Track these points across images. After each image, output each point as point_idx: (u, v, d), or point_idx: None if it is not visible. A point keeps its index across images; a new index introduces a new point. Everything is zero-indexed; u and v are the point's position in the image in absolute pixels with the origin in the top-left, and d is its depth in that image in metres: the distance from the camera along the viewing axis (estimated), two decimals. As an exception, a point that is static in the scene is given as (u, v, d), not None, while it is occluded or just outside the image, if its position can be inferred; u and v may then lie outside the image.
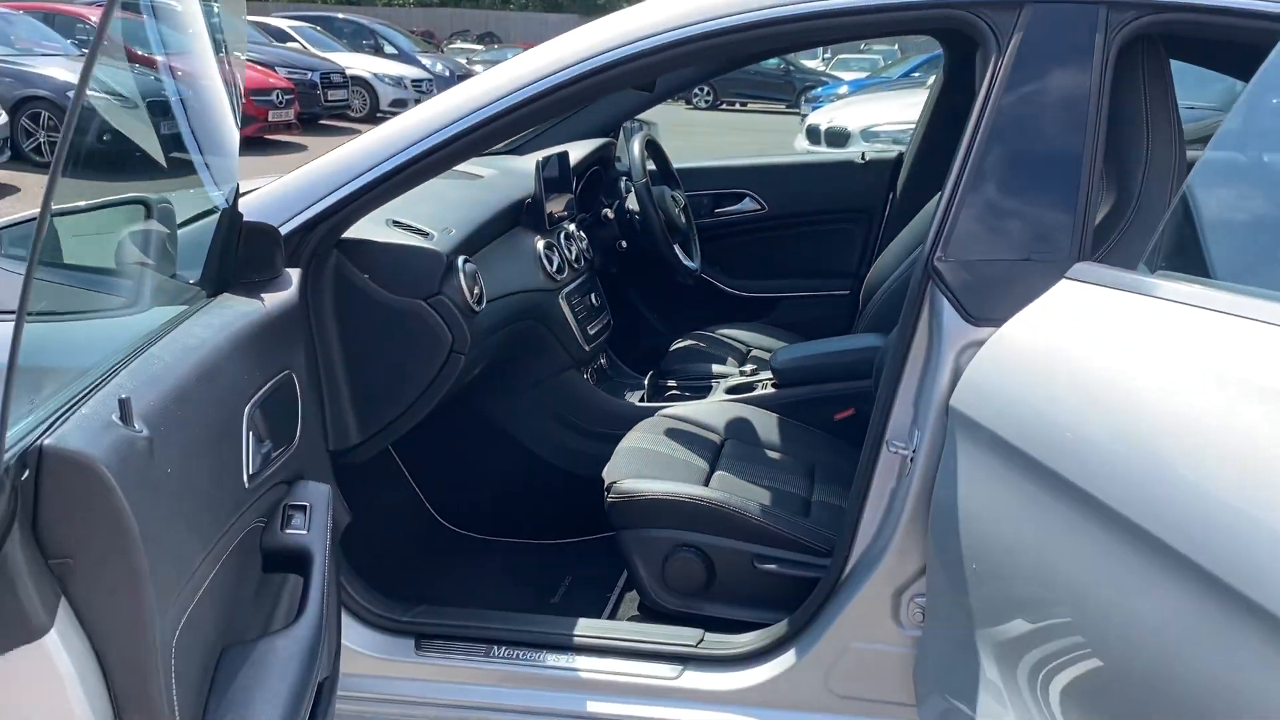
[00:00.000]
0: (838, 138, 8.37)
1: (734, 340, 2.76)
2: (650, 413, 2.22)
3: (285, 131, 12.33)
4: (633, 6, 1.64)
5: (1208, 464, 1.05)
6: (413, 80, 15.87)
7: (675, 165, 2.95)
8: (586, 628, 1.77)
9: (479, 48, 30.78)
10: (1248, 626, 0.97)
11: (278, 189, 1.61)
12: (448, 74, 17.49)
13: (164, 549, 0.90)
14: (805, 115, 11.38)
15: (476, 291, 1.85)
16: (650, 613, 1.89)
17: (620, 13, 1.64)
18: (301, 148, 11.86)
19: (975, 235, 1.48)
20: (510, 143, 2.73)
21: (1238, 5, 1.42)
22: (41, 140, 9.34)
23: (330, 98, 14.09)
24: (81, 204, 1.40)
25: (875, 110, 8.59)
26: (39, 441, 0.84)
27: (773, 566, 1.81)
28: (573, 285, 2.45)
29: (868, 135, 8.01)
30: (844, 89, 13.18)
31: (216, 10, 1.48)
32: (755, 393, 2.34)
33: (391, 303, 1.75)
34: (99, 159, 1.29)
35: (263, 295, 1.40)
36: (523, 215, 2.34)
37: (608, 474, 1.94)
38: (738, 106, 20.73)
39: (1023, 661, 1.33)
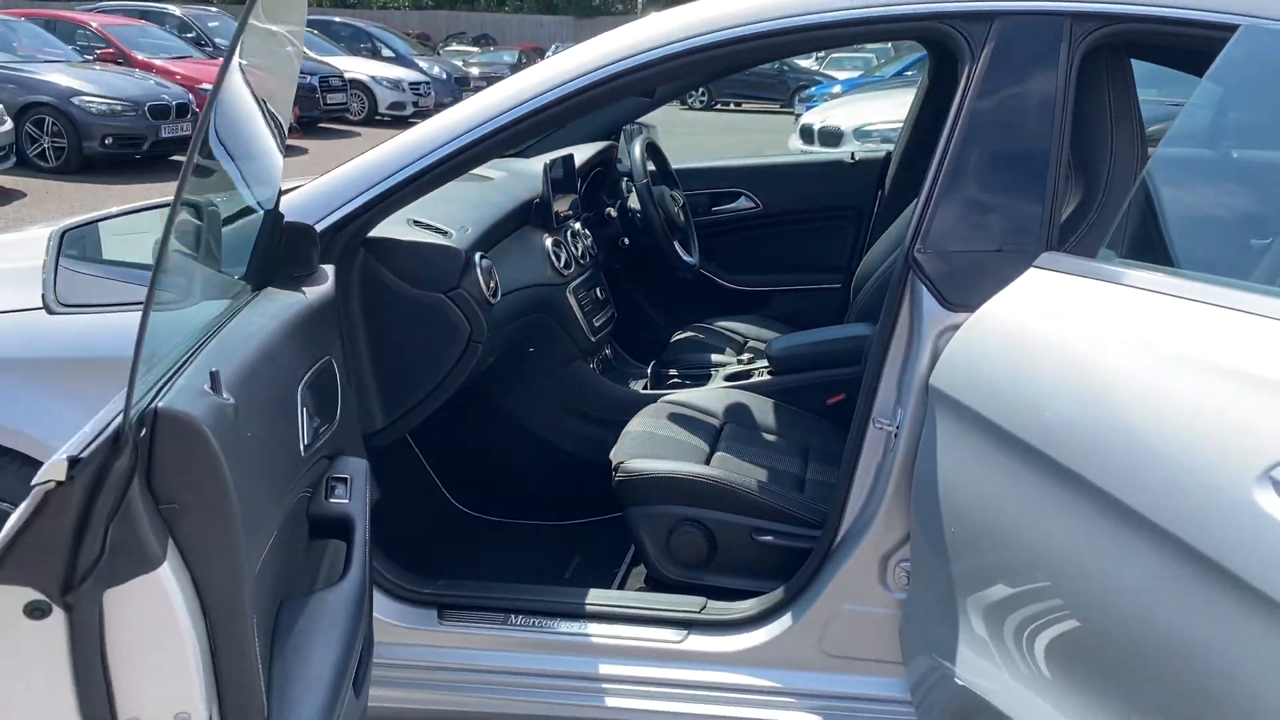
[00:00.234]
0: (831, 137, 8.49)
1: (731, 332, 2.89)
2: (654, 399, 2.36)
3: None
4: (643, 18, 1.78)
5: (1161, 431, 1.19)
6: (410, 83, 15.98)
7: (674, 166, 3.08)
8: (598, 597, 1.90)
9: (475, 50, 30.86)
10: (1211, 584, 1.10)
11: (310, 191, 1.74)
12: (445, 76, 17.62)
13: (247, 502, 1.03)
14: (799, 115, 11.52)
15: (492, 285, 1.99)
16: (656, 584, 2.02)
17: (632, 24, 1.77)
18: (302, 150, 11.98)
19: (952, 228, 1.61)
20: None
21: (1183, 16, 1.55)
22: (46, 146, 9.45)
23: (329, 101, 14.19)
24: (135, 206, 1.53)
25: (868, 109, 8.71)
26: (153, 405, 0.97)
27: (769, 538, 1.94)
28: (579, 280, 2.58)
29: (860, 134, 8.13)
30: (837, 88, 13.29)
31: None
32: (752, 380, 2.48)
33: (414, 296, 1.89)
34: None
35: (304, 289, 1.53)
36: (532, 214, 2.48)
37: (615, 455, 2.08)
38: (732, 107, 20.85)
39: (999, 617, 1.46)
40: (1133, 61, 1.80)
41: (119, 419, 0.92)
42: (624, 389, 2.64)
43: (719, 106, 20.67)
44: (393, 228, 1.92)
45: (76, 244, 1.51)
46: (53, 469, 0.88)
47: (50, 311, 1.45)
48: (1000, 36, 1.62)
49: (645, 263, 2.98)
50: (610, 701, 1.82)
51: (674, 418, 2.23)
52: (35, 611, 0.94)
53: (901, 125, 3.07)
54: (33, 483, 0.89)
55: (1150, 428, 1.21)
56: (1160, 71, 2.00)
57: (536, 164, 2.59)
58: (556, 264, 2.47)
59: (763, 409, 2.33)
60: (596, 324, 2.63)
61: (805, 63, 20.17)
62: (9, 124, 8.55)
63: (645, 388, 2.67)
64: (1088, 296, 1.42)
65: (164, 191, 8.71)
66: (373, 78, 15.60)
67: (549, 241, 2.48)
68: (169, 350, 1.10)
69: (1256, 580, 1.06)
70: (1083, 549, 1.29)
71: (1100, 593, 1.27)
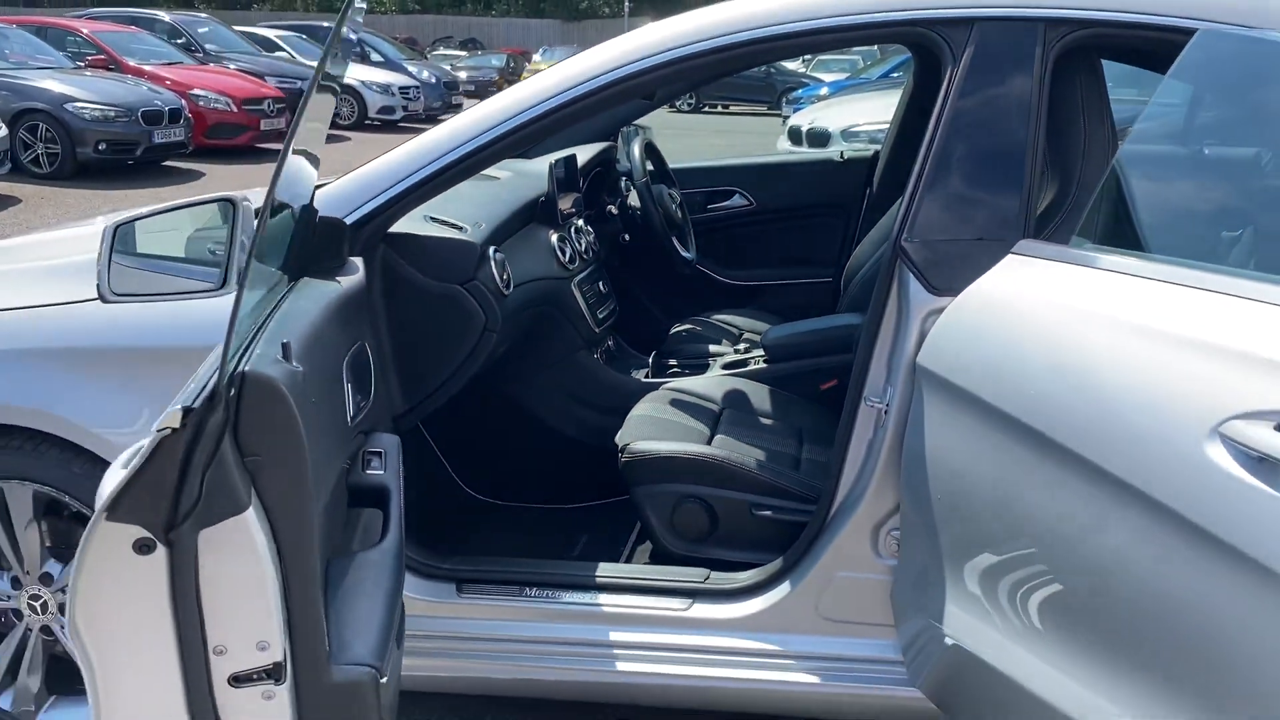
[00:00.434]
0: (819, 138, 8.61)
1: (727, 324, 3.02)
2: (655, 388, 2.47)
3: (277, 140, 12.52)
4: (648, 25, 1.90)
5: (1128, 397, 1.32)
6: (399, 88, 16.07)
7: (670, 166, 3.21)
8: (607, 570, 2.01)
9: (462, 54, 30.95)
10: (1172, 532, 1.23)
11: (339, 188, 1.85)
12: (433, 81, 17.71)
13: (313, 459, 1.15)
14: (787, 117, 11.65)
15: (505, 277, 2.11)
16: (661, 558, 2.14)
17: (637, 30, 1.89)
18: (293, 155, 12.09)
19: (936, 219, 1.74)
20: None
21: (1146, 21, 1.68)
22: (40, 152, 9.52)
23: (319, 106, 14.28)
24: (177, 203, 1.65)
25: (855, 111, 8.84)
26: (240, 369, 1.09)
27: (768, 513, 2.06)
28: (583, 274, 2.71)
29: (848, 135, 8.24)
30: (824, 90, 13.41)
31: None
32: (749, 368, 2.60)
33: (432, 288, 2.01)
34: None
35: (337, 279, 1.65)
36: (538, 212, 2.60)
37: (621, 438, 2.19)
38: (720, 109, 21.00)
39: (983, 577, 1.58)
40: (1112, 63, 1.93)
41: (214, 380, 1.03)
42: (627, 378, 2.76)
43: (707, 109, 20.81)
44: (411, 224, 2.03)
45: (124, 239, 1.63)
46: (169, 417, 1.00)
47: (105, 301, 1.56)
48: (979, 41, 1.74)
49: (644, 258, 3.11)
50: (620, 666, 1.93)
51: (676, 403, 2.35)
52: (142, 548, 1.06)
53: (887, 127, 3.20)
54: (153, 428, 1.01)
55: (1118, 395, 1.34)
56: (1140, 72, 2.13)
57: (541, 164, 2.71)
58: (562, 259, 2.59)
59: (759, 395, 2.45)
60: (600, 316, 2.75)
61: (792, 65, 20.33)
62: (4, 130, 8.62)
63: (647, 376, 2.79)
64: (1061, 279, 1.54)
65: (159, 196, 8.80)
66: (362, 82, 15.67)
67: (554, 237, 2.61)
68: (241, 326, 1.22)
69: (1209, 525, 1.19)
70: (1060, 509, 1.42)
71: (1077, 548, 1.40)
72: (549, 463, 2.68)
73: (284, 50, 16.11)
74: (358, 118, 15.45)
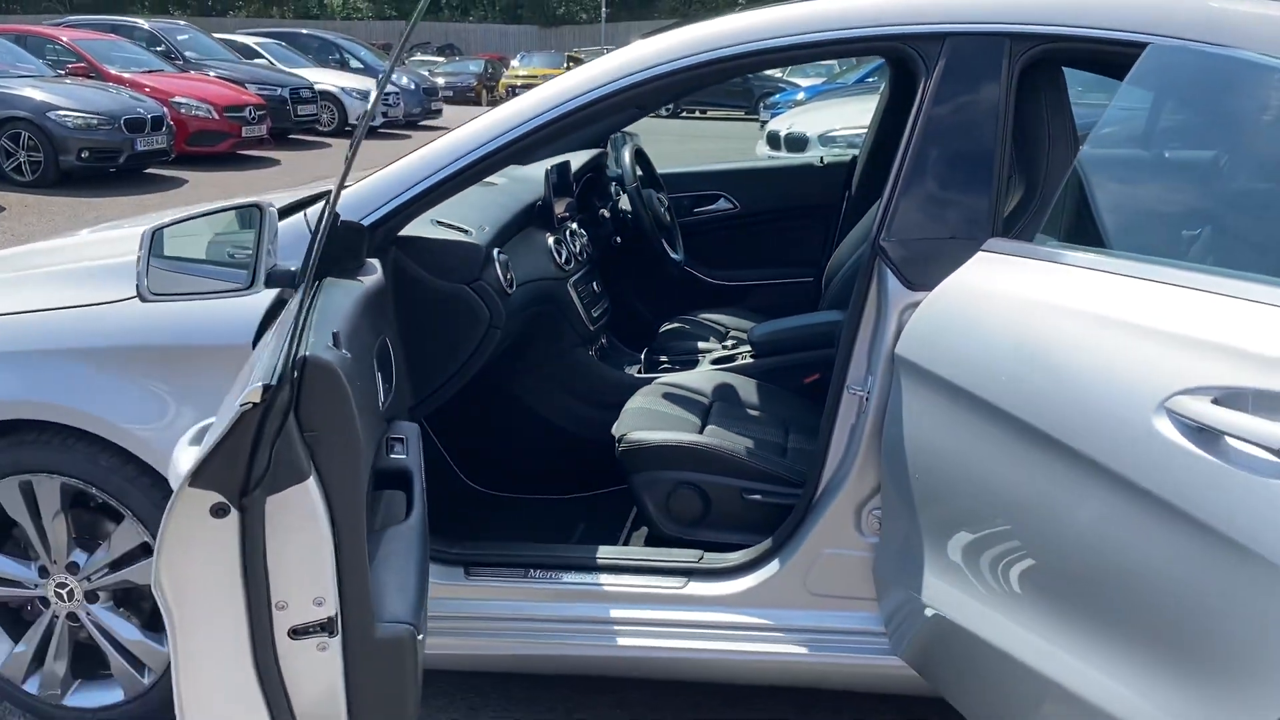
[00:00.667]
0: (797, 143, 8.76)
1: (714, 322, 3.15)
2: (648, 383, 2.60)
3: (258, 147, 12.60)
4: (639, 41, 2.03)
5: (1087, 378, 1.46)
6: (380, 94, 16.14)
7: (658, 171, 3.34)
8: (607, 552, 2.13)
9: (440, 59, 31.00)
10: (1127, 499, 1.37)
11: (353, 194, 1.97)
12: (413, 87, 17.79)
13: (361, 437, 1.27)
14: (765, 121, 11.82)
15: (509, 277, 2.23)
16: (657, 542, 2.27)
17: (630, 46, 2.02)
18: (274, 162, 12.15)
19: (912, 219, 1.87)
20: None
21: (1103, 35, 1.81)
22: (22, 160, 9.55)
23: (300, 113, 14.34)
24: (208, 208, 1.77)
25: (832, 116, 9.00)
26: (301, 354, 1.20)
27: (758, 497, 2.19)
28: (578, 275, 2.83)
29: (825, 140, 8.40)
30: (801, 95, 13.59)
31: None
32: (737, 363, 2.73)
33: (441, 287, 2.13)
34: None
35: (360, 278, 1.77)
36: (535, 215, 2.72)
37: (617, 429, 2.32)
38: (698, 114, 21.17)
39: (959, 549, 1.72)
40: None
41: (281, 363, 1.15)
42: (621, 373, 2.89)
43: (685, 114, 20.96)
44: (419, 227, 2.15)
45: (158, 242, 1.73)
46: (250, 393, 1.12)
47: (143, 300, 1.67)
48: (951, 54, 1.87)
49: (635, 260, 3.24)
50: (621, 641, 2.05)
51: (668, 396, 2.48)
52: (218, 511, 1.18)
53: (863, 131, 3.34)
54: (237, 403, 1.12)
55: (1078, 376, 1.48)
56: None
57: (536, 170, 2.84)
58: (558, 260, 2.72)
59: (747, 388, 2.58)
60: (594, 315, 2.88)
61: (769, 70, 20.48)
62: (-13, 139, 8.66)
63: (640, 372, 2.92)
64: (1027, 274, 1.68)
65: (143, 203, 8.85)
66: (342, 89, 15.74)
67: (551, 240, 2.73)
68: (292, 319, 1.34)
69: (1158, 490, 1.33)
70: (1028, 483, 1.55)
71: (1044, 518, 1.53)
72: (547, 455, 2.80)
73: (264, 57, 16.14)
74: (338, 124, 15.51)
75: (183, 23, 16.98)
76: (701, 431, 2.32)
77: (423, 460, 1.65)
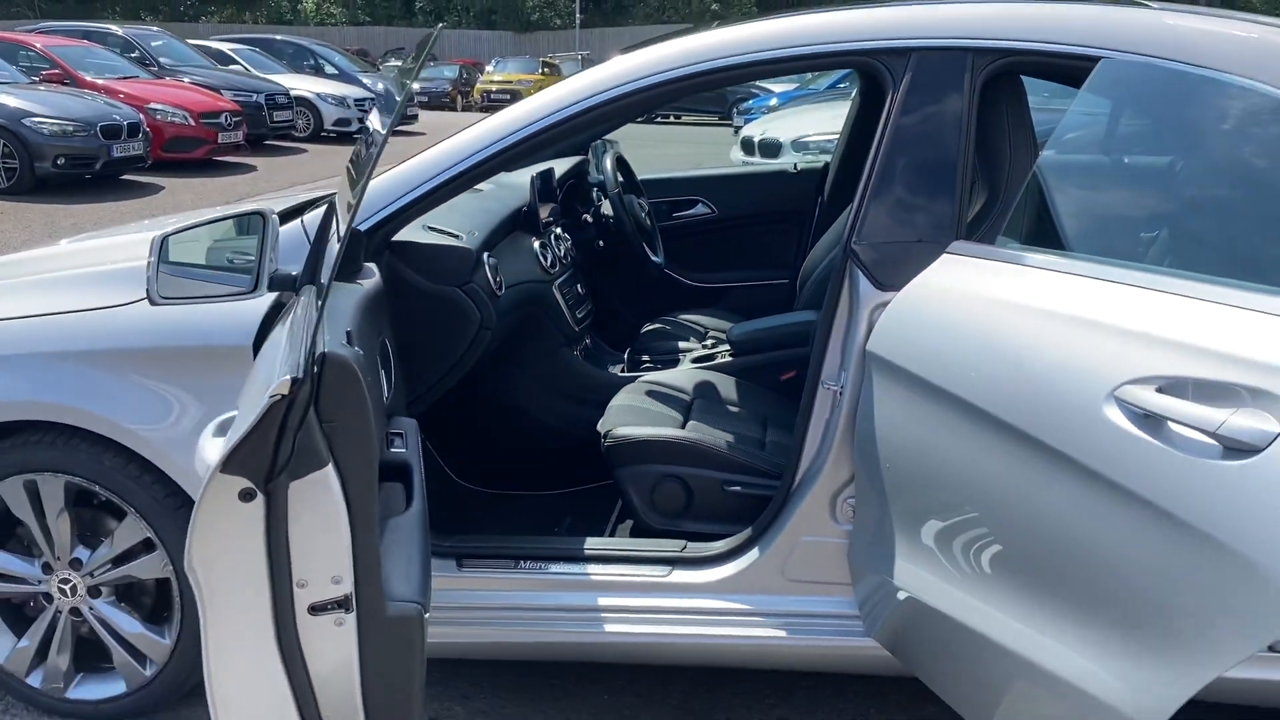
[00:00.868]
0: (771, 149, 8.89)
1: (694, 323, 3.25)
2: (631, 381, 2.70)
3: (234, 153, 12.58)
4: (623, 55, 2.13)
5: (1044, 370, 1.56)
6: (355, 100, 16.15)
7: (638, 177, 3.44)
8: (594, 543, 2.22)
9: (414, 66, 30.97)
10: (1080, 481, 1.48)
11: (349, 202, 2.06)
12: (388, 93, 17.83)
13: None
14: (739, 127, 11.95)
15: (498, 280, 2.32)
16: (642, 533, 2.36)
17: (614, 60, 2.12)
18: (251, 168, 12.16)
19: (881, 224, 1.97)
20: None
21: (1059, 50, 1.92)
22: (-2, 167, 9.53)
23: (276, 119, 14.32)
24: (214, 215, 1.85)
25: (805, 122, 9.14)
26: (321, 350, 1.29)
27: (738, 488, 2.29)
28: (563, 278, 2.93)
29: (798, 146, 8.53)
30: (774, 101, 13.75)
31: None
32: (716, 361, 2.83)
33: (432, 290, 2.21)
34: None
35: (359, 281, 1.85)
36: (521, 221, 2.81)
37: (603, 425, 2.41)
38: (672, 119, 21.29)
39: (929, 533, 1.82)
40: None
41: (303, 359, 1.24)
42: (605, 373, 2.98)
43: (659, 119, 21.08)
44: (411, 232, 2.24)
45: (166, 248, 1.81)
46: (279, 385, 1.21)
47: (153, 303, 1.75)
48: (917, 68, 1.98)
49: (617, 263, 3.34)
50: (608, 628, 2.14)
51: (651, 394, 2.57)
52: (246, 496, 1.26)
53: (836, 136, 3.45)
54: (266, 395, 1.21)
55: (1036, 369, 1.59)
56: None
57: (520, 177, 2.93)
58: (544, 264, 2.81)
59: (726, 385, 2.69)
60: (579, 316, 2.97)
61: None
62: (-38, 146, 8.63)
63: (623, 371, 3.02)
64: (989, 274, 1.79)
65: (120, 210, 8.85)
66: (318, 95, 15.75)
67: (537, 244, 2.83)
68: (308, 319, 1.43)
69: (1108, 471, 1.44)
70: (992, 468, 1.66)
71: (1006, 501, 1.64)
72: (533, 452, 2.89)
73: (238, 63, 16.12)
74: (313, 130, 15.52)
75: (156, 29, 16.92)
76: (683, 427, 2.42)
77: (420, 452, 1.74)
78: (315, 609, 1.33)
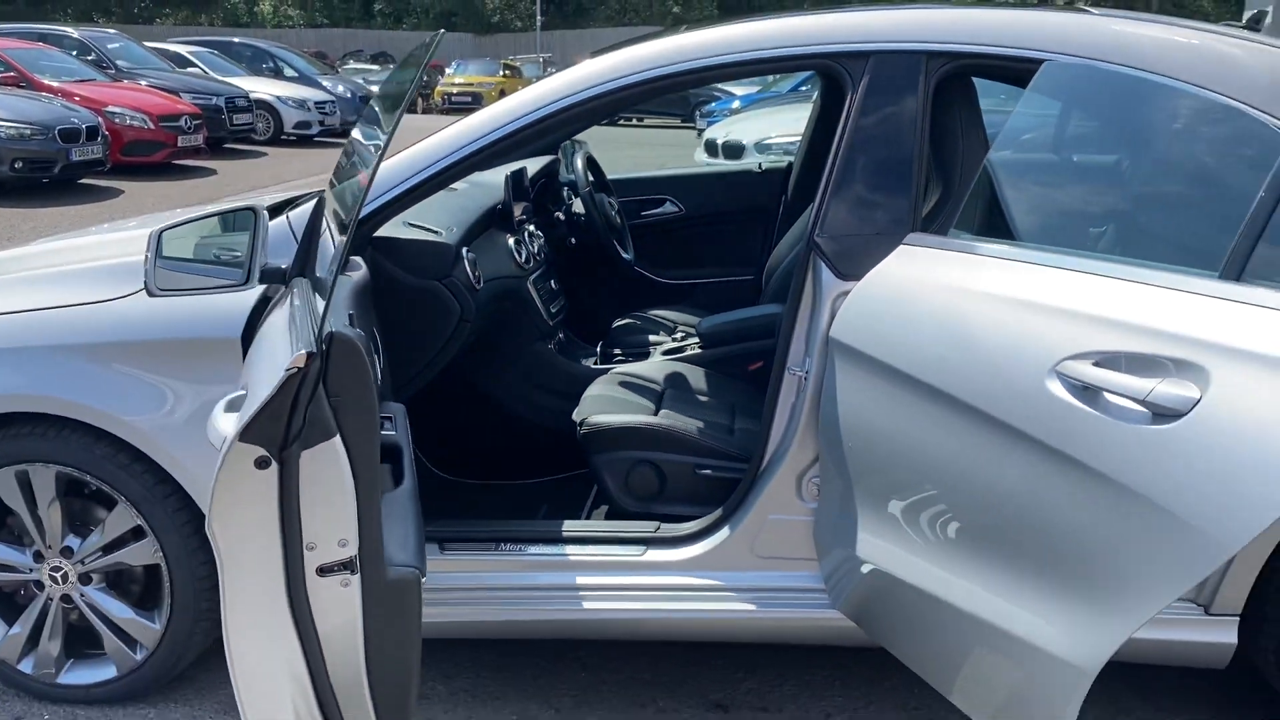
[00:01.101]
0: (734, 150, 9.02)
1: (663, 318, 3.36)
2: (604, 373, 2.80)
3: (194, 156, 12.51)
4: (589, 59, 2.23)
5: (994, 350, 1.69)
6: (316, 103, 16.11)
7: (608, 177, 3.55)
8: (572, 526, 2.32)
9: (374, 68, 30.82)
10: (1027, 450, 1.60)
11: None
12: (349, 95, 17.76)
13: None
14: (702, 130, 12.08)
15: (477, 274, 2.42)
16: (617, 517, 2.46)
17: (587, 62, 2.22)
18: (211, 172, 12.11)
19: (843, 218, 2.09)
20: None
21: (1007, 53, 2.05)
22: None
23: (235, 122, 14.24)
24: (208, 211, 1.93)
25: (767, 124, 9.29)
26: (328, 330, 1.38)
27: (708, 471, 2.39)
28: (537, 274, 3.02)
29: (761, 147, 8.68)
30: (736, 104, 13.89)
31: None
32: (686, 354, 2.94)
33: (414, 284, 2.30)
34: None
35: (348, 274, 1.94)
36: (495, 218, 2.91)
37: (578, 414, 2.51)
38: (634, 122, 21.38)
39: (889, 507, 1.94)
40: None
41: (312, 338, 1.33)
42: (579, 365, 3.08)
43: (622, 122, 21.15)
44: (392, 228, 2.33)
45: (163, 243, 1.89)
46: (296, 359, 1.30)
47: (151, 295, 1.83)
48: (874, 70, 2.10)
49: (588, 260, 3.44)
50: (586, 605, 2.23)
51: (624, 384, 2.68)
52: (261, 463, 1.35)
53: (798, 138, 3.58)
54: (284, 368, 1.30)
55: (985, 349, 1.71)
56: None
57: (494, 176, 3.02)
58: (518, 259, 2.90)
59: (696, 376, 2.80)
60: (553, 310, 3.07)
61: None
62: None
63: (595, 364, 3.12)
64: (942, 263, 1.92)
65: (80, 214, 8.80)
66: (278, 98, 15.69)
67: (511, 241, 2.92)
68: (310, 307, 1.51)
69: (1051, 440, 1.57)
70: (947, 443, 1.78)
71: (961, 473, 1.77)
72: (510, 442, 2.98)
73: (197, 66, 16.00)
74: (274, 133, 15.45)
75: (113, 31, 16.75)
76: (655, 415, 2.52)
77: (409, 435, 1.83)
78: (323, 570, 1.42)
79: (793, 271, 2.18)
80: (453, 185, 2.92)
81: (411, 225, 2.42)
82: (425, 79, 26.85)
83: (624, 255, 3.28)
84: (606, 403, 2.55)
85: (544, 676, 2.45)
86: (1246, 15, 12.62)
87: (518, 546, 2.27)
